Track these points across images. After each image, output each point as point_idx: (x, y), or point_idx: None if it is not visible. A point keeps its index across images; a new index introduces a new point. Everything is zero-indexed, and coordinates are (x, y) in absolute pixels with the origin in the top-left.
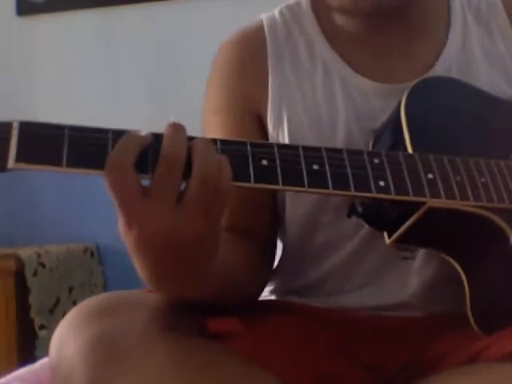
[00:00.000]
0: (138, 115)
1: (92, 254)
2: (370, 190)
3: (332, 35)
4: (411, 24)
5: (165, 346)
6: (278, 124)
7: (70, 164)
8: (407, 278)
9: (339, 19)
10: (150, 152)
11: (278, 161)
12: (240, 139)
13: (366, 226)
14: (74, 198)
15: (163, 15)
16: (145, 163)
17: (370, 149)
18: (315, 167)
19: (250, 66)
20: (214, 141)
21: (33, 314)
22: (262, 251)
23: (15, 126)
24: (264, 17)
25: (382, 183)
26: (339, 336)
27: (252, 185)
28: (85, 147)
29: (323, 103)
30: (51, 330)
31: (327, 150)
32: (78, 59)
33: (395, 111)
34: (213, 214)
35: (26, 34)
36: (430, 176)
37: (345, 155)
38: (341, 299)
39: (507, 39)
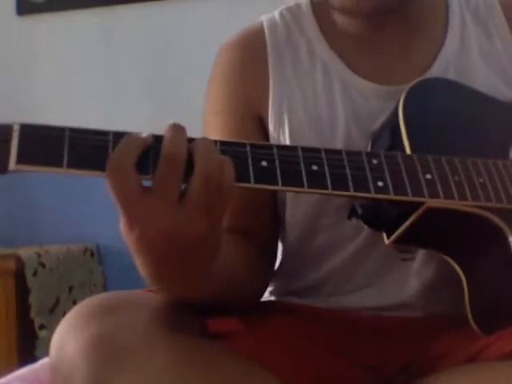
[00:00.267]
0: (137, 115)
1: (92, 254)
2: (368, 191)
3: (332, 36)
4: (411, 24)
5: (165, 345)
6: (279, 125)
7: (71, 165)
8: (407, 279)
9: (340, 20)
10: (150, 153)
11: (277, 162)
12: (239, 140)
13: (366, 227)
14: (74, 198)
15: (163, 15)
16: (146, 164)
17: (369, 150)
18: (314, 168)
19: (251, 67)
20: (214, 142)
21: (33, 314)
22: (263, 252)
23: (16, 128)
24: (264, 18)
25: (380, 184)
26: (339, 336)
27: (252, 185)
28: (85, 149)
29: (323, 104)
30: (51, 330)
31: (326, 150)
32: (77, 59)
33: (393, 113)
34: (215, 214)
35: (26, 33)
36: (429, 176)
37: (344, 156)
38: (341, 300)
39: (505, 40)
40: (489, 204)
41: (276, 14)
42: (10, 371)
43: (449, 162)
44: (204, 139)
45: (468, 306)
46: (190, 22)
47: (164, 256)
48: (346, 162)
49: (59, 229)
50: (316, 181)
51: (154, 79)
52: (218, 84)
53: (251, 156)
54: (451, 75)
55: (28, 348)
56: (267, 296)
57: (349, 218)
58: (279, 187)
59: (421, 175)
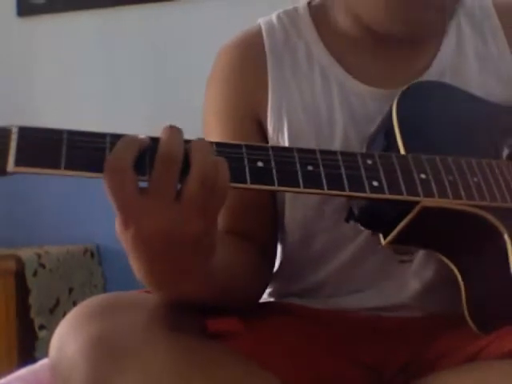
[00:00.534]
0: (137, 115)
1: (92, 255)
2: (364, 190)
3: (330, 40)
4: None
5: (165, 345)
6: (278, 127)
7: (69, 167)
8: (407, 281)
9: (341, 23)
10: (147, 154)
11: (273, 162)
12: (235, 142)
13: (363, 229)
14: (74, 199)
15: (163, 16)
16: (143, 165)
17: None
18: (310, 168)
19: (250, 69)
20: (210, 143)
21: (33, 314)
22: (263, 252)
23: (14, 131)
24: (262, 21)
25: (375, 183)
26: (339, 336)
27: (248, 185)
28: (83, 151)
29: (322, 106)
30: (51, 331)
31: (321, 151)
32: (77, 60)
33: (387, 115)
34: (210, 214)
35: (26, 34)
36: (423, 176)
37: (339, 157)
38: (340, 301)
39: (500, 43)
40: (483, 203)
41: (273, 16)
42: (10, 371)
43: (443, 162)
44: (200, 141)
45: (465, 305)
46: (189, 22)
47: (159, 255)
48: (341, 163)
49: (59, 229)
50: (312, 181)
51: (153, 80)
52: (217, 85)
53: (247, 157)
54: (447, 79)
55: (28, 348)
56: (266, 297)
57: (346, 220)
58: (276, 187)
59: (415, 175)
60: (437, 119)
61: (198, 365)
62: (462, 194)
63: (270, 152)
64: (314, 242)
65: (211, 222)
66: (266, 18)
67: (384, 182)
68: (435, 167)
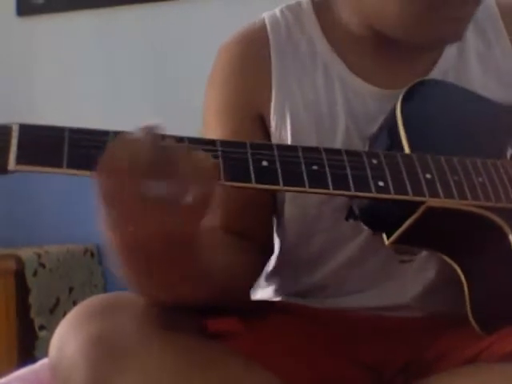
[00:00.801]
0: (137, 115)
1: (92, 255)
2: (369, 190)
3: (333, 36)
4: None
5: (165, 345)
6: (281, 123)
7: (70, 166)
8: (407, 281)
9: (349, 20)
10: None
11: (278, 162)
12: (240, 140)
13: (365, 228)
14: (75, 198)
15: (162, 16)
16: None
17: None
18: (315, 168)
19: (253, 64)
20: (214, 141)
21: (33, 314)
22: (263, 252)
23: (15, 128)
24: (266, 16)
25: (381, 183)
26: (339, 336)
27: (254, 185)
28: (85, 149)
29: (324, 102)
30: (51, 331)
31: (326, 150)
32: (77, 60)
33: (391, 113)
34: (196, 218)
35: (25, 34)
36: (429, 176)
37: (344, 156)
38: (340, 301)
39: (502, 44)
40: (488, 203)
41: (277, 11)
42: (10, 371)
43: (448, 162)
44: (182, 145)
45: (468, 306)
46: (189, 22)
47: (158, 256)
48: (346, 163)
49: (59, 229)
50: (317, 181)
51: (153, 79)
52: (218, 83)
53: (251, 156)
54: (451, 80)
55: (28, 348)
56: (272, 295)
57: (346, 219)
58: (281, 187)
59: (421, 175)
60: (441, 118)
61: (197, 364)
62: (468, 194)
63: (275, 151)
64: (314, 241)
65: (197, 223)
66: (270, 13)
67: (390, 182)
68: (440, 167)
